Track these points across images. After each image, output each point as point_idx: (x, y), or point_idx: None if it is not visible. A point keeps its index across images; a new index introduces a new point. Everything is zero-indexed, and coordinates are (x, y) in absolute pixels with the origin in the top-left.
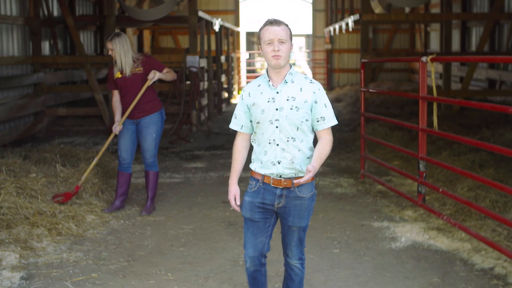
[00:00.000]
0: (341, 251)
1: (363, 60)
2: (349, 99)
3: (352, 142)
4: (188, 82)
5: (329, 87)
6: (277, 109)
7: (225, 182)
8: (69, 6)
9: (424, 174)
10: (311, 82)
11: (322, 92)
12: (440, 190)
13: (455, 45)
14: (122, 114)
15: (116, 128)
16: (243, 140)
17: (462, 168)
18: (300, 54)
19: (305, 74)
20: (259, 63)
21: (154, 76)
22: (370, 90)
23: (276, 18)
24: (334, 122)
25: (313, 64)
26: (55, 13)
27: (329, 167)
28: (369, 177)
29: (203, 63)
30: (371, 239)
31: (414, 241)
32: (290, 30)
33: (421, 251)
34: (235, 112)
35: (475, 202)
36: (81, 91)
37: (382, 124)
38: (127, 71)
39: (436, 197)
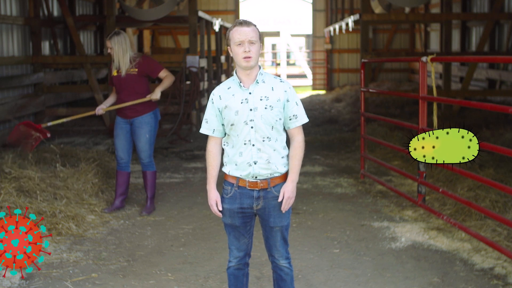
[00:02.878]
0: (341, 251)
1: (363, 60)
2: (349, 99)
3: (352, 142)
4: (188, 82)
5: (329, 87)
6: (251, 110)
7: None
8: (69, 6)
9: (424, 174)
10: (281, 81)
11: (293, 91)
12: (440, 190)
13: (455, 45)
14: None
15: (99, 111)
16: (215, 145)
17: (462, 168)
18: (300, 54)
19: (274, 75)
20: (259, 63)
21: (156, 98)
22: (370, 90)
23: (245, 19)
24: (306, 120)
25: (313, 64)
26: (55, 13)
27: (329, 167)
28: (369, 177)
29: (203, 63)
30: (371, 239)
31: (414, 241)
32: (259, 31)
33: (421, 251)
34: (205, 117)
35: (475, 202)
36: (81, 91)
37: (382, 124)
38: (123, 71)
39: (436, 197)
